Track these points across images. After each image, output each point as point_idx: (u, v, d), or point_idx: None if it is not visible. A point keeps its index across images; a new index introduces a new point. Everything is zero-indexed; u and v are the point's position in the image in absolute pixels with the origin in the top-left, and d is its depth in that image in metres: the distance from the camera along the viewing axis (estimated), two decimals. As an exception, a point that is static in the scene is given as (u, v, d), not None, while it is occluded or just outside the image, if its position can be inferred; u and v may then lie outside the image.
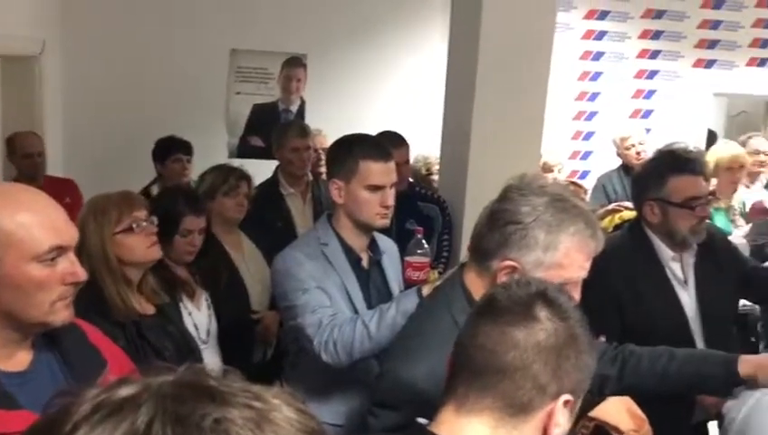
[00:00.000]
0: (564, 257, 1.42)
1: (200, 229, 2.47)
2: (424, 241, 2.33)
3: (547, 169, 4.72)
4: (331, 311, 2.00)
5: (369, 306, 2.06)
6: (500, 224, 1.44)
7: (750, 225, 3.85)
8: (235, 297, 2.78)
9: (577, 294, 1.49)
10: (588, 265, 1.48)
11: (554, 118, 5.42)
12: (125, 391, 0.55)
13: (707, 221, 3.13)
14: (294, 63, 5.29)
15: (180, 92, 4.93)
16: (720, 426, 3.65)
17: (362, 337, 1.92)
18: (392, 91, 5.25)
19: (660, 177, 2.29)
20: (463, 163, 3.03)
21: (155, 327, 1.99)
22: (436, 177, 4.14)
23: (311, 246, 2.10)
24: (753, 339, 3.01)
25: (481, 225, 1.50)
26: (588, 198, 4.63)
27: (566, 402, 1.03)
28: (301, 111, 5.31)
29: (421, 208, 3.15)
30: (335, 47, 5.16)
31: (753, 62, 5.69)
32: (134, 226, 1.97)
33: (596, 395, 1.95)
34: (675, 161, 2.31)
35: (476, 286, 1.46)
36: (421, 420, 1.12)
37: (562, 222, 1.42)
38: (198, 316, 2.45)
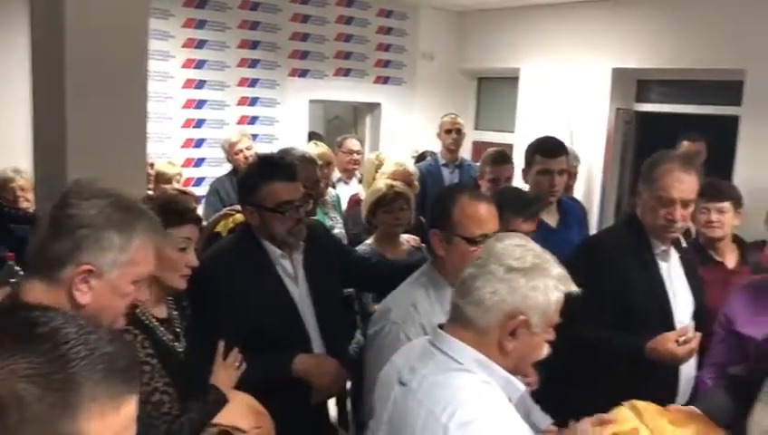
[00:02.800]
0: (137, 254, 1.45)
1: None
2: (17, 267, 2.08)
3: (165, 180, 4.62)
4: None
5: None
6: (68, 230, 1.40)
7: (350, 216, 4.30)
8: None
9: (146, 291, 1.58)
10: (154, 259, 1.51)
11: (163, 127, 5.36)
12: None
13: (313, 218, 3.40)
14: None
15: None
16: (339, 403, 4.00)
17: None
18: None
19: (255, 183, 2.39)
20: (60, 177, 2.77)
21: None
22: (21, 193, 3.76)
23: None
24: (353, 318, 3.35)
25: (43, 234, 1.43)
26: (202, 203, 4.67)
27: None
28: None
29: (13, 230, 2.80)
30: None
31: (339, 72, 6.37)
32: None
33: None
34: (267, 169, 2.44)
35: (46, 301, 1.36)
36: None
37: (133, 220, 1.46)
38: None
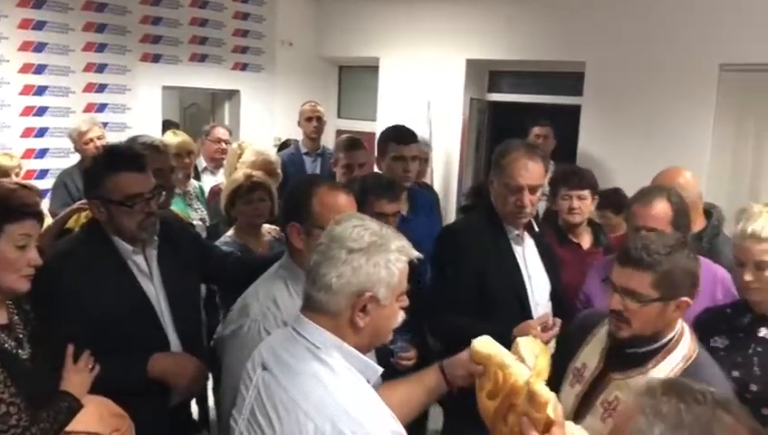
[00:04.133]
0: None
1: None
2: None
3: (1, 173, 4.26)
4: None
5: None
6: None
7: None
8: None
9: None
10: None
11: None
12: None
13: (171, 210, 3.27)
14: None
15: None
16: (199, 403, 3.91)
17: None
18: None
19: (99, 176, 2.25)
20: None
21: None
22: None
23: None
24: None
25: None
26: (47, 198, 4.36)
27: None
28: None
29: None
30: None
31: (195, 57, 6.15)
32: None
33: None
34: (112, 160, 2.29)
35: None
36: None
37: None
38: None
